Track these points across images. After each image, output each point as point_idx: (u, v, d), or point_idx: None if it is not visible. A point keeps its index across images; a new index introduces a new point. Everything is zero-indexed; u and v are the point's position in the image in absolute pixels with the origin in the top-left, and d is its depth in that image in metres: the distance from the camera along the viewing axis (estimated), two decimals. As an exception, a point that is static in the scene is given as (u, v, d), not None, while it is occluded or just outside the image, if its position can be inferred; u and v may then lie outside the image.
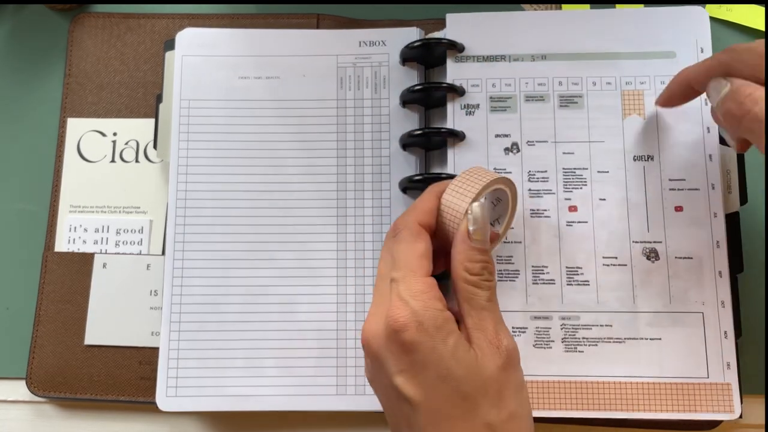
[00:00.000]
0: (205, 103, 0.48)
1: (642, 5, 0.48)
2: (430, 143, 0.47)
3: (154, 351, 0.46)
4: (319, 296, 0.46)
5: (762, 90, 0.35)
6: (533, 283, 0.44)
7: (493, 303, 0.35)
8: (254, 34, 0.49)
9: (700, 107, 0.45)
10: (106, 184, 0.50)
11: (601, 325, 0.43)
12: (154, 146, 0.48)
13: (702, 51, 0.46)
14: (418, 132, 0.46)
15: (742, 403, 0.42)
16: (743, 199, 0.46)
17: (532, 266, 0.44)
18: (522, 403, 0.34)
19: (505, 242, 0.44)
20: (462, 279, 0.35)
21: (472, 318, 0.35)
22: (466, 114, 0.46)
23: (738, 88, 0.36)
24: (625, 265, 0.44)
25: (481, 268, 0.35)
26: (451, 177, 0.44)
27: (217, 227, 0.46)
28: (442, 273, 0.38)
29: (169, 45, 0.49)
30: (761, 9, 0.52)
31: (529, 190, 0.45)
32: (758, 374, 0.46)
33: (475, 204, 0.36)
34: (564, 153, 0.45)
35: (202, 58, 0.48)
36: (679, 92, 0.42)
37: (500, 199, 0.41)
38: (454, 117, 0.46)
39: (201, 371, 0.44)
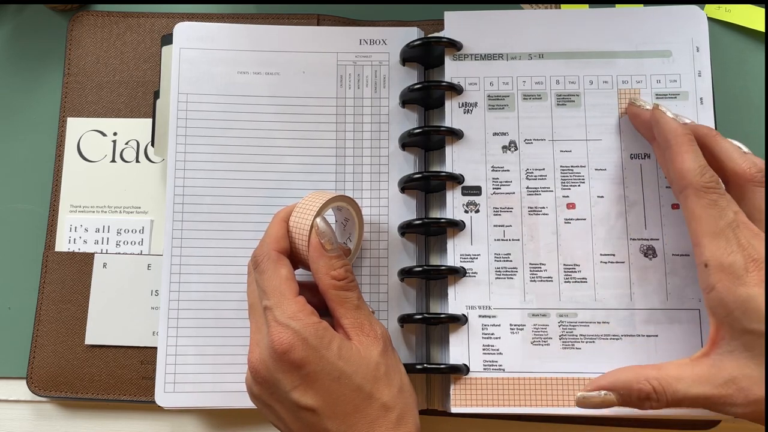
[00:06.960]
0: (204, 97, 0.47)
1: (641, 5, 0.49)
2: (429, 142, 0.47)
3: (155, 351, 0.46)
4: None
5: None
6: (531, 281, 0.44)
7: (362, 300, 0.40)
8: (253, 29, 0.49)
9: (695, 105, 0.45)
10: (106, 184, 0.50)
11: (598, 322, 0.43)
12: (152, 143, 0.48)
13: (698, 50, 0.46)
14: (418, 131, 0.46)
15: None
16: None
17: (530, 264, 0.44)
18: (404, 376, 0.39)
19: (503, 240, 0.44)
20: (331, 287, 0.39)
21: (349, 318, 0.39)
22: (464, 112, 0.46)
23: None
24: (623, 262, 0.44)
25: (345, 272, 0.39)
26: (448, 176, 0.45)
27: (215, 224, 0.46)
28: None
29: (166, 40, 0.49)
30: (761, 10, 0.52)
31: (527, 187, 0.45)
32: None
33: (318, 219, 0.40)
34: (561, 151, 0.45)
35: (201, 52, 0.48)
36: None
37: (348, 219, 0.44)
38: (452, 115, 0.46)
39: (199, 367, 0.44)
